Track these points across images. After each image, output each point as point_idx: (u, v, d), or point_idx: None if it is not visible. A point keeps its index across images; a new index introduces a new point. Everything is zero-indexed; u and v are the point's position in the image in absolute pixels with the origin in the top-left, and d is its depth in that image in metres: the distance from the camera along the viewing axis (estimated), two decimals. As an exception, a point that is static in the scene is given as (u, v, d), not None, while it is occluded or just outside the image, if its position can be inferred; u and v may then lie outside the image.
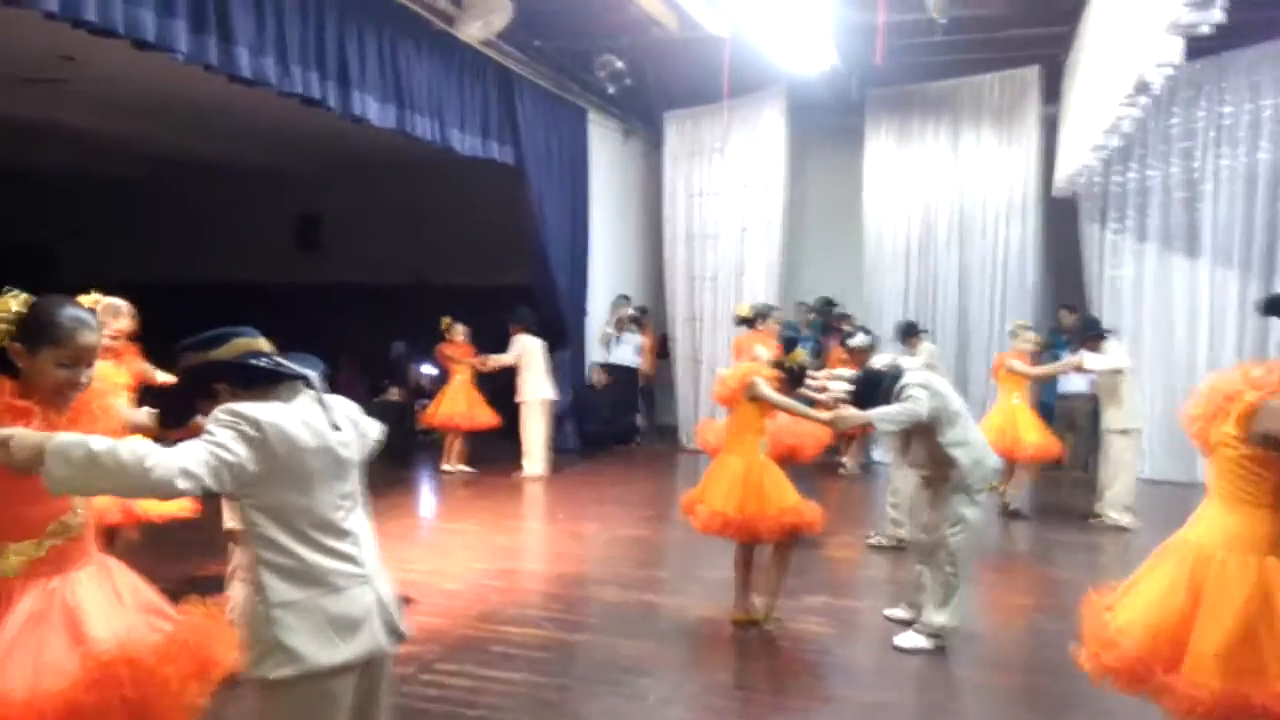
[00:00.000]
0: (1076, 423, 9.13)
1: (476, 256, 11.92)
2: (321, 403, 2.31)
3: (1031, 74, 9.59)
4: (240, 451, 2.09)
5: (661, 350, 11.45)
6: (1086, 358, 7.22)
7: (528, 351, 8.85)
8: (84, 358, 2.39)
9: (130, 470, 1.93)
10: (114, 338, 4.67)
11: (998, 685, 4.36)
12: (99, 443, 1.95)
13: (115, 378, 4.56)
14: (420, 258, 12.71)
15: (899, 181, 10.26)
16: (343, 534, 2.29)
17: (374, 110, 6.90)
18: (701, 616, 5.12)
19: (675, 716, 3.89)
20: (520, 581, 5.82)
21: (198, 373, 2.30)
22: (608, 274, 10.82)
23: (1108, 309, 9.28)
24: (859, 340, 6.41)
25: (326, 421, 2.29)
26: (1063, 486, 8.77)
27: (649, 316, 11.42)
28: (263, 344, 2.32)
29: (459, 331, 9.09)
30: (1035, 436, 7.53)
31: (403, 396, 10.91)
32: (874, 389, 4.71)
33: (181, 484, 1.99)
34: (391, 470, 8.97)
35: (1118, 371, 7.13)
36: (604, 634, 4.85)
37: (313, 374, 2.33)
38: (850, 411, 4.77)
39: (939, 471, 4.64)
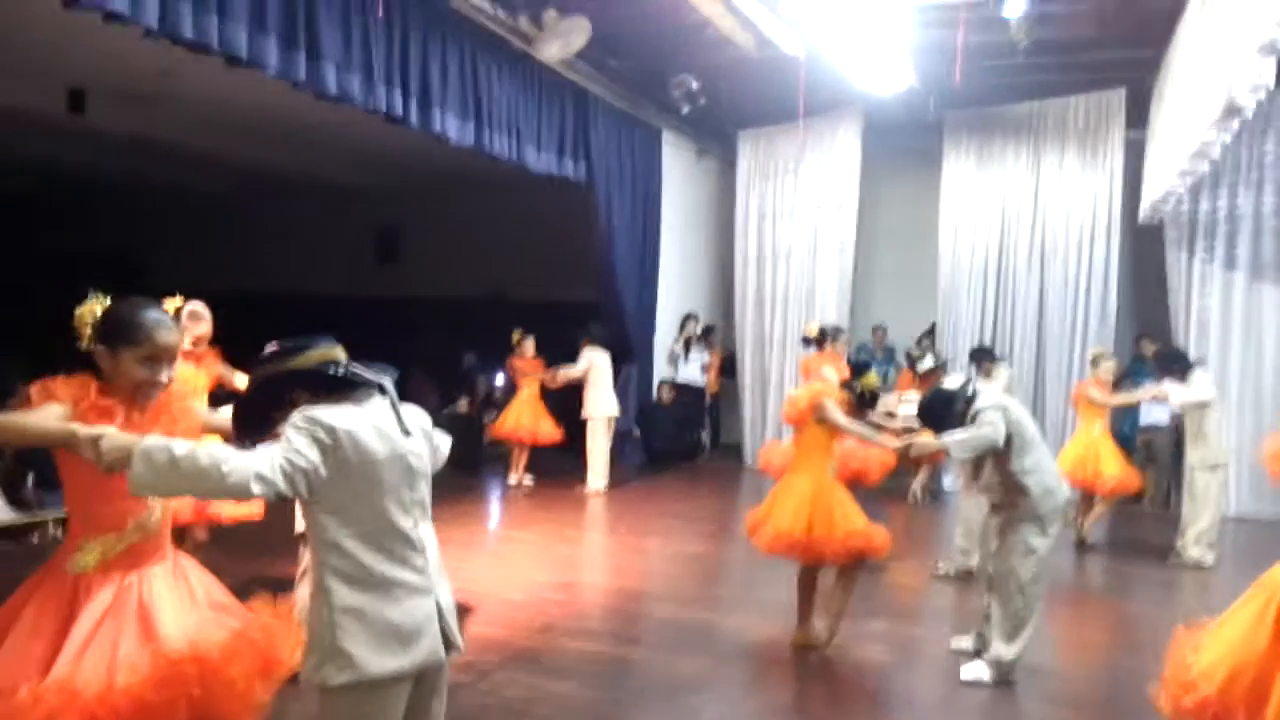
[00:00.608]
0: (1157, 456, 8.85)
1: (550, 272, 12.06)
2: (395, 409, 2.35)
3: (1117, 97, 9.36)
4: (314, 457, 2.14)
5: (727, 369, 11.42)
6: (1172, 389, 6.98)
7: (595, 366, 8.93)
8: (163, 357, 2.46)
9: (209, 474, 2.00)
10: (195, 342, 4.84)
11: (1066, 719, 4.23)
12: (180, 447, 2.02)
13: (195, 381, 4.73)
14: (495, 272, 12.91)
15: (977, 204, 10.09)
16: (409, 542, 2.31)
17: (454, 128, 7.05)
18: (760, 637, 5.07)
19: (730, 737, 3.87)
20: (580, 594, 5.85)
21: (275, 382, 2.32)
22: (677, 292, 10.85)
23: (1194, 340, 8.96)
24: (927, 363, 6.30)
25: (398, 428, 2.33)
26: (1142, 520, 8.49)
27: (716, 335, 11.42)
28: (339, 353, 2.36)
29: (529, 345, 9.20)
30: (1116, 469, 7.31)
31: (471, 407, 11.07)
32: (945, 410, 4.58)
33: (256, 488, 2.05)
34: (458, 479, 9.11)
35: (1203, 405, 6.88)
36: (661, 650, 4.84)
37: (386, 381, 2.37)
38: (924, 439, 4.66)
39: (1009, 499, 4.54)
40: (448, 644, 2.37)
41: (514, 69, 7.71)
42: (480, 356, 12.25)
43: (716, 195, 11.65)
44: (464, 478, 9.34)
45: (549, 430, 9.15)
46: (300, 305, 10.71)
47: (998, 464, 4.53)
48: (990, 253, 10.07)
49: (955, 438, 4.42)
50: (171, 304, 3.99)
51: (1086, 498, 7.41)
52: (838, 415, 4.71)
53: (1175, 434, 8.27)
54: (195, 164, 11.80)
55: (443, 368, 12.80)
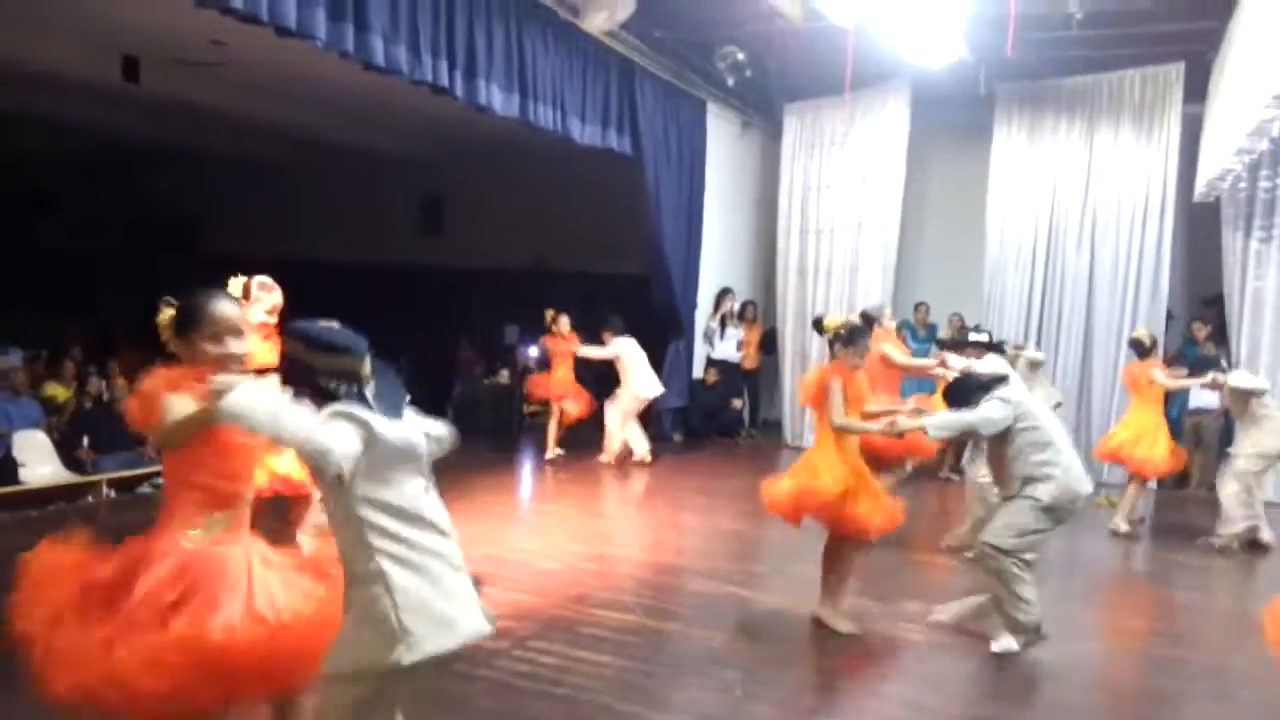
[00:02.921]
0: (1204, 439, 8.71)
1: (593, 243, 12.07)
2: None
3: (1175, 71, 9.10)
4: (360, 445, 2.25)
5: (767, 345, 11.36)
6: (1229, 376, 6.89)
7: (624, 356, 8.88)
8: (225, 329, 2.59)
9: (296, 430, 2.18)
10: (270, 312, 4.57)
11: (1100, 707, 4.21)
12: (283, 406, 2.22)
13: (268, 358, 4.72)
14: (538, 243, 12.94)
15: (1027, 179, 9.89)
16: (432, 526, 2.41)
17: (498, 99, 7.06)
18: (794, 614, 5.07)
19: (761, 713, 3.89)
20: (615, 566, 5.90)
21: (296, 364, 2.43)
22: (718, 266, 10.79)
23: (1249, 320, 8.78)
24: (979, 336, 6.28)
25: (401, 426, 2.43)
26: (1188, 506, 8.36)
27: (756, 310, 11.36)
28: (365, 370, 2.42)
29: (564, 323, 9.15)
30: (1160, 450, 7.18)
31: (511, 380, 11.20)
32: (968, 394, 4.63)
33: (331, 458, 2.18)
34: (495, 451, 9.21)
35: (1250, 393, 6.75)
36: (695, 625, 4.88)
37: (385, 406, 2.44)
38: (904, 419, 4.68)
39: (1021, 489, 4.52)
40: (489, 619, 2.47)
41: (559, 40, 7.68)
42: (521, 329, 12.35)
43: (760, 168, 11.54)
44: (501, 449, 9.44)
45: (581, 404, 9.11)
46: (347, 274, 10.86)
47: (1006, 454, 4.53)
48: (1039, 230, 9.88)
49: (934, 419, 4.56)
50: (237, 282, 4.07)
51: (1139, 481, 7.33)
52: (837, 400, 4.61)
53: (1224, 418, 8.12)
54: (245, 132, 11.93)
55: (486, 338, 12.94)
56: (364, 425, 2.28)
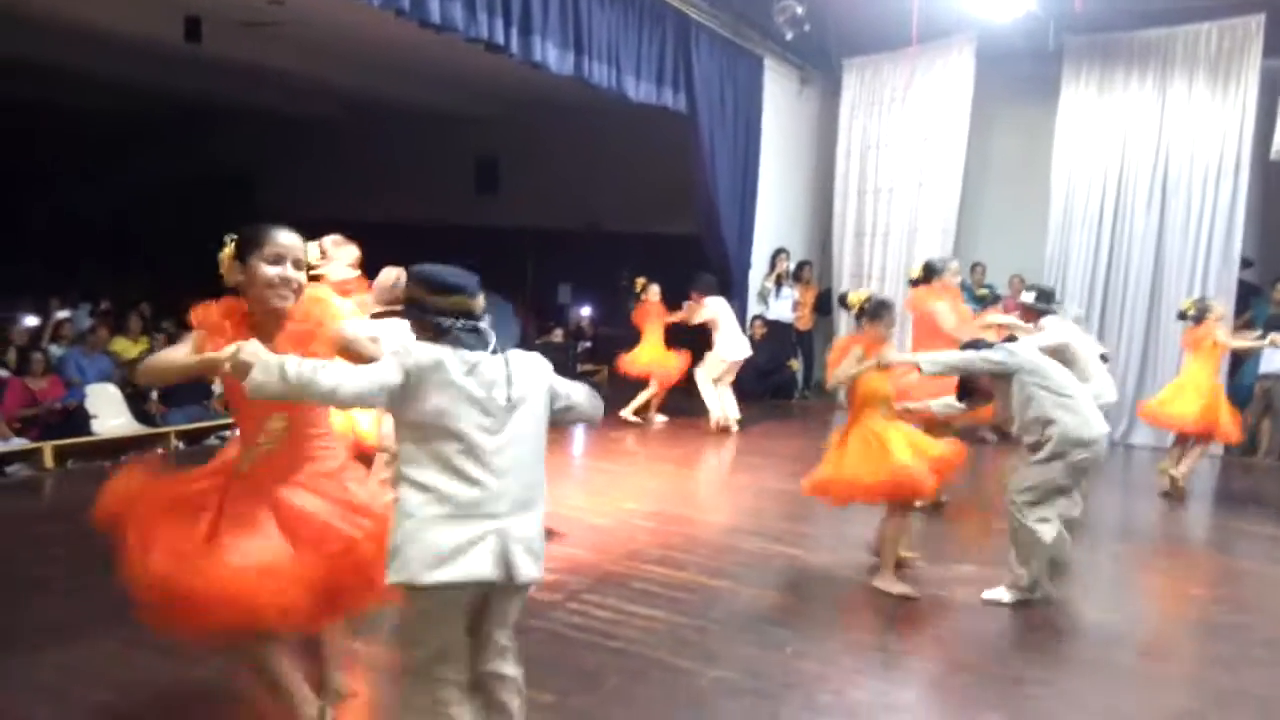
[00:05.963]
0: (1275, 405, 8.46)
1: (647, 203, 12.01)
2: (499, 355, 2.52)
3: (1255, 23, 8.70)
4: (397, 379, 2.37)
5: (822, 306, 11.24)
6: None
7: (718, 314, 8.81)
8: (286, 255, 2.66)
9: (318, 386, 2.32)
10: (352, 266, 4.50)
11: (1157, 673, 4.15)
12: (299, 363, 2.32)
13: (358, 316, 4.71)
14: (592, 203, 12.92)
15: (1096, 136, 9.58)
16: (485, 467, 2.43)
17: (553, 57, 7.03)
18: (844, 576, 5.09)
19: (811, 670, 3.91)
20: (667, 524, 5.93)
21: (416, 304, 2.53)
22: (774, 226, 10.68)
23: (1325, 285, 8.48)
24: (1027, 298, 6.15)
25: (501, 372, 2.48)
26: (1256, 473, 8.15)
27: (811, 271, 11.23)
28: (478, 305, 2.54)
29: (654, 291, 9.04)
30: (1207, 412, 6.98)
31: (564, 338, 11.27)
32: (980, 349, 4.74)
33: (355, 402, 2.45)
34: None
35: None
36: (747, 583, 4.90)
37: (494, 338, 2.53)
38: (893, 351, 4.81)
39: (1038, 441, 4.55)
40: (505, 568, 2.43)
41: (615, -5, 7.60)
42: (574, 288, 12.36)
43: (818, 126, 11.35)
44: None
45: (679, 364, 9.03)
46: (402, 233, 10.93)
47: (1016, 406, 4.58)
48: (1108, 188, 9.58)
49: (928, 355, 4.72)
50: (312, 245, 4.12)
51: (1180, 443, 7.17)
52: (840, 374, 4.77)
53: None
54: (302, 92, 12.05)
55: (539, 297, 13.00)
56: (416, 361, 2.39)
